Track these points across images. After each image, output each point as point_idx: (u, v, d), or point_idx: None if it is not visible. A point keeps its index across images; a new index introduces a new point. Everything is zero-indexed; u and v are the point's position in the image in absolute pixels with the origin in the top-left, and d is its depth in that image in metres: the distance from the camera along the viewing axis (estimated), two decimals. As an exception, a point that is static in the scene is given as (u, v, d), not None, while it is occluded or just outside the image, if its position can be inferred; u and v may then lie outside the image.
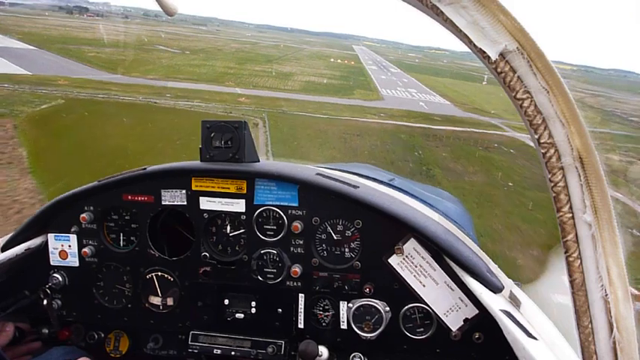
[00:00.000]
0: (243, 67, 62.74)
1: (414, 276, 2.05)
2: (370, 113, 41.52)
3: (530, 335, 1.56)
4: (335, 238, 2.17)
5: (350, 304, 2.13)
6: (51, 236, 2.35)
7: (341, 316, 2.17)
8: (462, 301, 2.01)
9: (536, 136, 1.01)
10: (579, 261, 1.05)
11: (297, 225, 2.13)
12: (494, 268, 2.05)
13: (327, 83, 58.33)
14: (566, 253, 1.06)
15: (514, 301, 1.86)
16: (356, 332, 2.12)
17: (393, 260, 2.07)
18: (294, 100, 43.44)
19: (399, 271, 2.06)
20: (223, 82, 48.66)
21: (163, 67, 53.87)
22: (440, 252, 2.00)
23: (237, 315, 2.24)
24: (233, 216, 2.24)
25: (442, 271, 2.02)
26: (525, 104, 1.00)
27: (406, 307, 2.09)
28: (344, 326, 2.17)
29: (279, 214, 2.18)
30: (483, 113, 47.55)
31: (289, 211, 2.17)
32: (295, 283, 2.20)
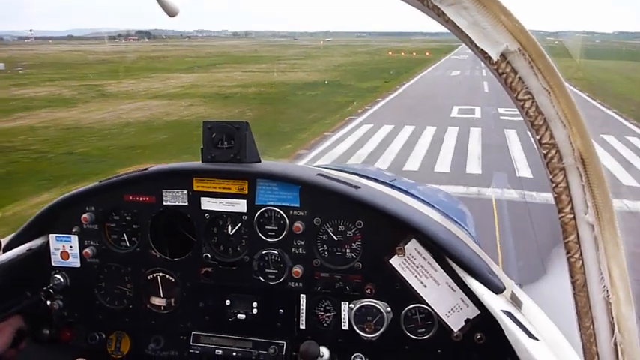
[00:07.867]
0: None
1: (416, 276, 2.05)
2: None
3: (531, 336, 1.56)
4: (336, 238, 2.17)
5: (351, 305, 2.13)
6: (52, 237, 2.35)
7: (342, 316, 2.17)
8: (463, 301, 2.01)
9: (538, 137, 1.01)
10: (581, 262, 1.05)
11: (299, 225, 2.13)
12: (495, 268, 2.05)
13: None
14: (567, 254, 1.06)
15: (515, 301, 1.86)
16: (357, 333, 2.12)
17: (395, 261, 2.07)
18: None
19: (400, 271, 2.06)
20: None
21: None
22: (441, 252, 2.00)
23: (239, 315, 2.24)
24: (234, 216, 2.24)
25: (443, 272, 2.02)
26: (527, 105, 1.00)
27: (407, 307, 2.09)
28: (345, 327, 2.17)
29: (281, 214, 2.18)
30: None
31: (290, 212, 2.17)
32: (297, 284, 2.20)
